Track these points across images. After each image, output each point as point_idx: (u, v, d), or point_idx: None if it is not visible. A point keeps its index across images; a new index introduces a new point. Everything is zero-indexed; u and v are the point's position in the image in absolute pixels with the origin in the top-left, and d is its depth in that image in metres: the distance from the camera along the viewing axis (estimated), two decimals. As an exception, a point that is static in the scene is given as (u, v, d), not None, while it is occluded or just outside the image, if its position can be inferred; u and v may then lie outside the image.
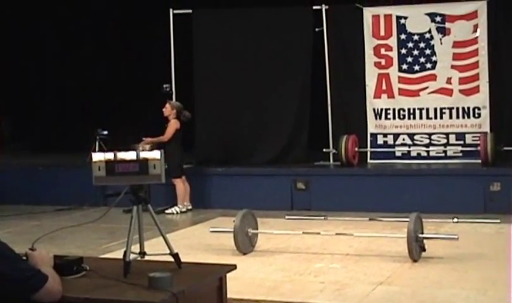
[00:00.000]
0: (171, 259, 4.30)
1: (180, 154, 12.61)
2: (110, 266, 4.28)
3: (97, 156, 4.24)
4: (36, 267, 3.52)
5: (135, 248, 4.32)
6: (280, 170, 13.18)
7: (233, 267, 4.36)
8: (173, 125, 12.49)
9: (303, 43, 13.67)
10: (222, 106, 13.86)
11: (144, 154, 4.18)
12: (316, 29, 13.52)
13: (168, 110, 12.59)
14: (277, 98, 13.74)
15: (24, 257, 3.69)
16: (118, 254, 6.61)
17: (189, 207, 12.74)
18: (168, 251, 4.32)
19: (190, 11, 13.94)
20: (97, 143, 13.95)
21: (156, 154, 4.18)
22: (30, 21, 17.30)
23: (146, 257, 4.38)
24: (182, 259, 4.33)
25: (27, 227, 11.56)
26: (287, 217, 10.33)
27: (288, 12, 13.88)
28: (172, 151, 12.13)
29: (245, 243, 8.84)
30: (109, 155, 4.21)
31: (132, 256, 4.20)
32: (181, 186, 12.64)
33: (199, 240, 9.79)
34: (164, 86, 13.61)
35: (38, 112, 13.87)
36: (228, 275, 4.29)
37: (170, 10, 13.90)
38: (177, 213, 12.57)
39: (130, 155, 4.19)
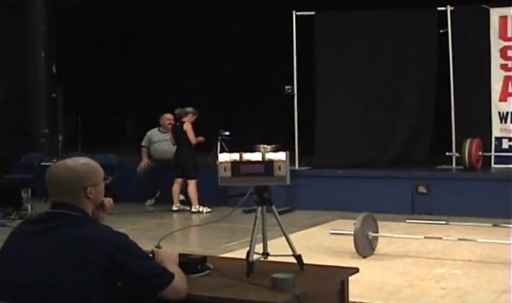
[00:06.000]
0: (293, 260, 4.31)
1: (195, 155, 13.28)
2: (233, 265, 4.32)
3: (223, 157, 4.29)
4: (162, 265, 3.60)
5: (258, 248, 4.35)
6: (401, 173, 13.03)
7: (355, 270, 4.34)
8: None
9: (427, 45, 13.48)
10: (342, 108, 13.84)
11: (269, 156, 4.20)
12: (441, 31, 13.30)
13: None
14: (400, 100, 13.63)
15: (150, 255, 3.77)
16: (238, 254, 6.69)
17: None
18: (290, 252, 4.34)
19: (313, 12, 13.96)
20: (219, 144, 14.14)
21: (281, 155, 4.19)
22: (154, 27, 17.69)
23: (269, 258, 4.40)
24: (303, 260, 4.33)
25: (149, 225, 11.86)
26: (408, 221, 10.22)
27: (412, 13, 13.72)
28: (191, 153, 12.99)
29: (365, 247, 8.78)
30: (235, 156, 4.25)
31: (255, 256, 4.23)
32: (195, 187, 13.05)
33: (318, 242, 9.79)
34: (286, 87, 13.70)
35: (160, 114, 14.20)
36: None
37: (293, 12, 13.95)
38: (202, 212, 12.97)
39: (256, 156, 4.21)
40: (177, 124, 13.29)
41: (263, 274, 3.99)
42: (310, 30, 13.95)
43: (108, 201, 3.76)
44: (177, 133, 13.19)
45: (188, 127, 13.03)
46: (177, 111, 13.36)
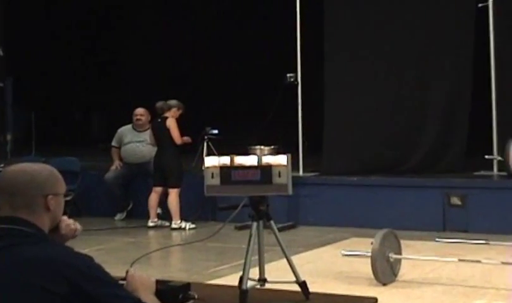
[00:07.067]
0: (297, 287, 4.32)
1: (180, 159, 13.31)
2: (223, 294, 4.34)
3: (211, 161, 4.29)
4: (136, 295, 3.59)
5: (253, 273, 4.36)
6: (429, 180, 13.05)
7: (373, 300, 4.36)
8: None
9: (463, 23, 13.47)
10: (357, 101, 13.82)
11: (267, 159, 4.20)
12: (480, 5, 13.31)
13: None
14: (428, 92, 13.63)
15: (122, 281, 3.76)
16: (229, 280, 6.69)
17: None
18: (293, 278, 4.35)
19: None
20: (205, 144, 14.13)
21: (282, 159, 4.19)
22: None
23: (267, 285, 4.41)
24: (309, 288, 4.34)
25: (120, 244, 11.87)
26: (438, 240, 10.23)
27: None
28: (174, 155, 13.03)
29: (385, 271, 8.79)
30: (225, 160, 4.25)
31: (250, 283, 4.23)
32: (177, 198, 13.02)
33: (328, 266, 9.81)
34: (288, 76, 13.72)
35: (133, 109, 14.20)
36: (366, 310, 4.30)
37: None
38: (185, 228, 12.96)
39: (250, 160, 4.22)
40: (159, 119, 13.23)
41: (259, 305, 4.01)
42: (317, 8, 13.95)
43: (68, 226, 3.76)
44: (159, 131, 13.13)
45: (171, 123, 12.99)
46: (159, 104, 13.27)
